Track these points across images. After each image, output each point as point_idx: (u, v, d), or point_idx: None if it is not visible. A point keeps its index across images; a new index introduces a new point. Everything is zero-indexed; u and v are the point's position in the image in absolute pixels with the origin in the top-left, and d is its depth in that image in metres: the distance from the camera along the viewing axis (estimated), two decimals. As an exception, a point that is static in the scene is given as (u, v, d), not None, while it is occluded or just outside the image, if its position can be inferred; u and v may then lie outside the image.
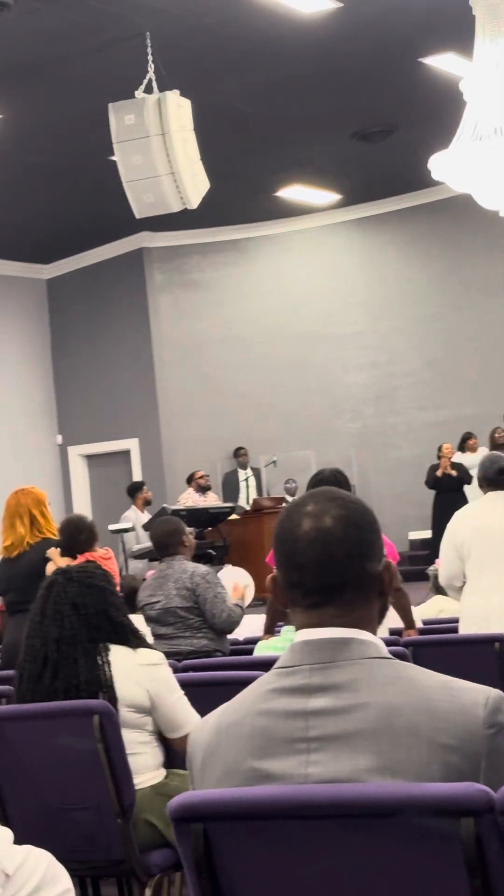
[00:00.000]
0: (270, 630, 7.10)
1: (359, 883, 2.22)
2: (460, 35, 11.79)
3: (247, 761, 2.32)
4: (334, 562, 2.34)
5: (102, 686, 4.39)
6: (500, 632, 6.44)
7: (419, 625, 7.40)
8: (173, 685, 4.61)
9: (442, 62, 14.00)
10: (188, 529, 8.05)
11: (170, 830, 3.47)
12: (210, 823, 2.30)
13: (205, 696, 4.50)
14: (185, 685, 4.72)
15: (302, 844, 2.23)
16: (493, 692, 2.27)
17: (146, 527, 14.95)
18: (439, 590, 8.32)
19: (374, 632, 2.39)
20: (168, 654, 6.98)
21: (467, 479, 16.87)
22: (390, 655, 2.36)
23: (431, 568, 9.04)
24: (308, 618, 2.38)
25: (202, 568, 7.55)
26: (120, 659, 4.48)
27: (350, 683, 2.28)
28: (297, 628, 2.40)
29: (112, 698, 4.38)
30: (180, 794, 2.31)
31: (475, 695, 2.27)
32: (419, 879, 2.18)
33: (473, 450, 17.47)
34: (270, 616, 7.17)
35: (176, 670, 5.11)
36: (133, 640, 4.58)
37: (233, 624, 7.39)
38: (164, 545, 7.64)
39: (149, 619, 7.37)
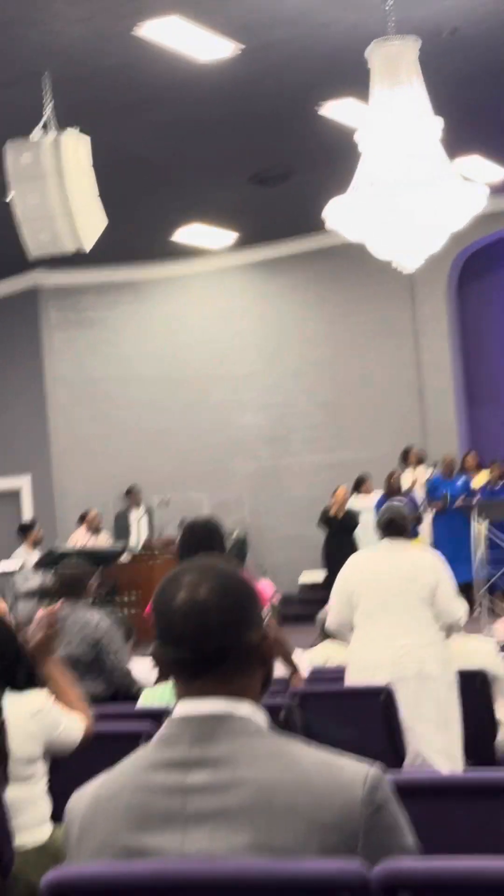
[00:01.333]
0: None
1: None
2: (358, 83, 11.90)
3: (123, 837, 2.29)
4: (210, 632, 2.33)
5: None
6: (385, 682, 6.46)
7: (306, 672, 7.38)
8: (59, 720, 4.58)
9: (340, 109, 14.13)
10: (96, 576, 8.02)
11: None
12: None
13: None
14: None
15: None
16: (372, 770, 2.26)
17: (37, 566, 14.84)
18: (327, 635, 8.31)
19: (256, 701, 2.37)
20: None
21: (353, 524, 16.89)
22: (269, 731, 2.34)
23: (321, 613, 9.04)
24: (187, 689, 2.36)
25: (106, 621, 7.48)
26: (12, 709, 4.43)
27: (229, 759, 2.26)
28: (178, 698, 2.38)
29: (4, 757, 4.31)
30: (54, 870, 2.28)
31: (354, 773, 2.25)
32: None
33: (368, 492, 17.55)
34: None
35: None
36: (23, 681, 4.55)
37: (131, 684, 7.35)
38: (70, 589, 7.55)
39: None
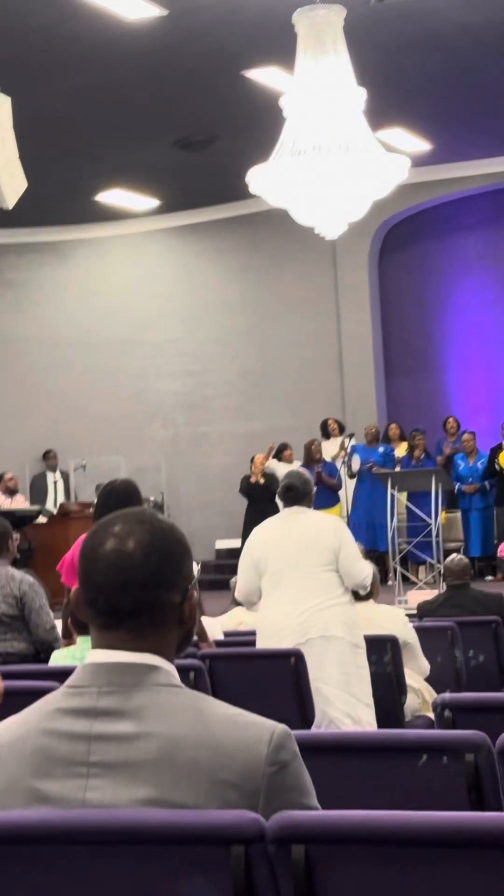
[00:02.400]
0: (68, 636, 7.05)
1: (130, 908, 2.21)
2: (284, 50, 11.88)
3: (26, 780, 2.28)
4: (128, 586, 2.32)
5: None
6: (292, 646, 6.50)
7: (220, 636, 7.42)
8: None
9: (265, 76, 14.10)
10: (15, 535, 7.90)
11: None
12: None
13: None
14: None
15: (72, 870, 2.21)
16: (278, 728, 2.26)
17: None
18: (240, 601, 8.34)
19: (169, 659, 2.36)
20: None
21: (275, 487, 16.94)
22: (181, 685, 2.33)
23: (233, 579, 9.07)
24: (100, 638, 2.35)
25: (28, 577, 7.41)
26: None
27: (136, 711, 2.26)
28: (92, 647, 2.37)
29: None
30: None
31: (259, 731, 2.25)
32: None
33: (289, 461, 17.57)
34: (68, 624, 7.14)
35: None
36: None
37: (55, 639, 7.29)
38: None
39: None
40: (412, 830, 2.12)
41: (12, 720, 2.40)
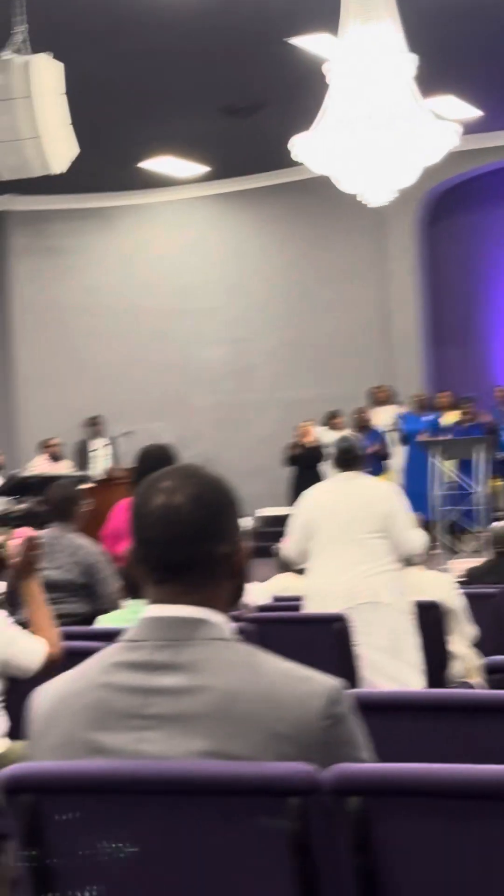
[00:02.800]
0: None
1: (186, 859, 2.23)
2: (330, 16, 11.81)
3: (84, 732, 2.31)
4: (179, 540, 2.34)
5: None
6: (339, 611, 6.52)
7: (264, 601, 7.44)
8: (14, 639, 4.59)
9: (311, 42, 14.02)
10: (86, 500, 7.82)
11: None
12: (40, 795, 2.30)
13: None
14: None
15: (129, 820, 2.24)
16: (334, 683, 2.29)
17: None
18: (285, 567, 8.37)
19: (223, 612, 2.39)
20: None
21: (320, 457, 16.99)
22: (236, 637, 2.36)
23: (277, 546, 9.09)
24: (156, 593, 2.38)
25: (97, 547, 7.38)
26: None
27: (193, 664, 2.29)
28: (148, 602, 2.40)
29: None
30: (11, 766, 2.31)
31: (315, 685, 2.28)
32: (246, 858, 2.20)
33: (339, 428, 17.53)
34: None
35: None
36: None
37: (118, 604, 7.29)
38: (59, 511, 7.40)
39: None
40: (469, 783, 2.14)
41: (70, 674, 2.44)
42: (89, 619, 7.13)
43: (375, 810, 2.17)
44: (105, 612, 7.21)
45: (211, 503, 2.38)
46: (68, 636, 4.95)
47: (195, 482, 2.39)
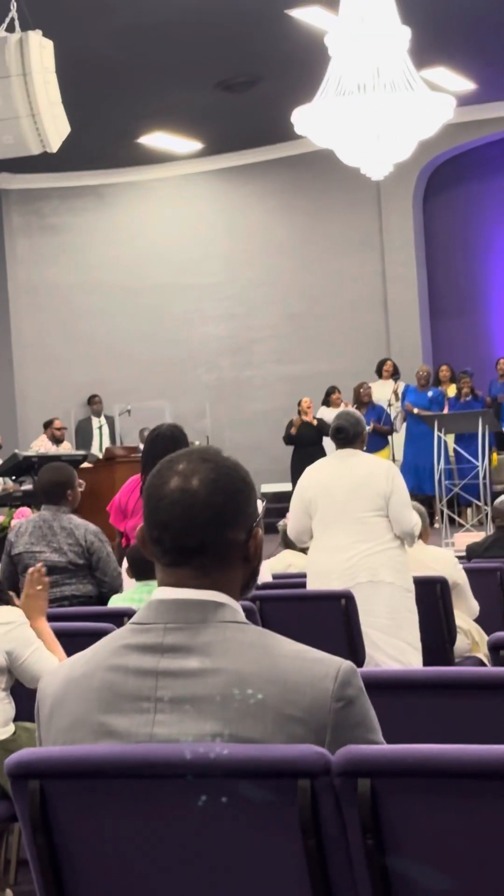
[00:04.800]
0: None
1: (196, 842, 2.22)
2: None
3: (94, 715, 2.31)
4: (194, 524, 2.33)
5: None
6: (343, 588, 6.50)
7: (269, 579, 7.43)
8: (30, 641, 4.59)
9: (308, 15, 13.99)
10: (79, 482, 7.77)
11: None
12: (47, 781, 2.29)
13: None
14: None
15: (139, 803, 2.23)
16: (344, 664, 2.28)
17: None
18: (288, 544, 8.36)
19: (235, 597, 2.37)
20: (53, 601, 6.91)
21: (326, 431, 17.02)
22: (246, 621, 2.35)
23: (281, 522, 9.08)
24: (166, 576, 2.37)
25: (92, 526, 7.35)
26: None
27: (203, 647, 2.28)
28: (158, 585, 2.39)
29: None
30: (18, 751, 2.30)
31: (326, 666, 2.27)
32: (256, 841, 2.20)
33: (337, 405, 17.54)
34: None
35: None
36: None
37: (119, 586, 7.26)
38: (52, 493, 7.34)
39: (28, 569, 7.15)
40: (478, 763, 2.13)
41: (79, 657, 2.43)
42: (92, 600, 7.12)
43: (385, 792, 2.16)
44: (108, 592, 7.20)
45: (227, 488, 2.37)
46: (73, 616, 4.94)
47: (212, 467, 2.38)
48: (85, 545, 7.16)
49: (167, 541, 2.35)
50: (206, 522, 2.33)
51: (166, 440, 6.39)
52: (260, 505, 2.54)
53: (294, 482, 16.34)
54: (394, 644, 6.63)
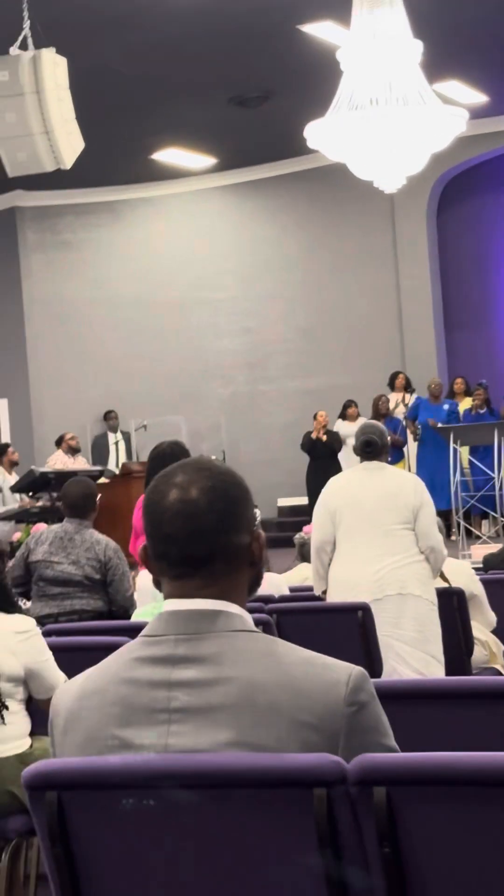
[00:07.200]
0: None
1: (213, 853, 2.23)
2: (339, 3, 11.79)
3: (108, 729, 2.31)
4: (199, 533, 2.33)
5: None
6: (370, 600, 6.49)
7: (285, 592, 7.42)
8: (44, 650, 4.60)
9: (320, 30, 14.01)
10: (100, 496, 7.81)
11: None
12: (64, 792, 2.29)
13: (71, 662, 4.51)
14: (51, 649, 4.71)
15: (156, 814, 2.24)
16: (356, 670, 2.29)
17: (14, 489, 14.85)
18: (305, 557, 8.36)
19: (242, 603, 2.39)
20: (62, 614, 6.90)
21: (338, 446, 17.04)
22: (256, 629, 2.36)
23: (297, 535, 9.09)
24: (174, 588, 2.37)
25: (112, 543, 7.36)
26: None
27: (214, 656, 2.28)
28: (165, 598, 2.39)
29: None
30: (35, 763, 2.31)
31: (337, 672, 2.28)
32: (272, 850, 2.20)
33: (353, 418, 17.54)
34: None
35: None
36: (8, 604, 4.57)
37: (132, 605, 7.26)
38: (76, 507, 7.38)
39: (42, 578, 7.16)
40: (493, 771, 2.13)
41: (91, 672, 2.43)
42: (102, 616, 7.12)
43: (401, 800, 2.17)
44: (117, 610, 7.22)
45: (226, 494, 2.37)
46: (88, 631, 4.94)
47: (208, 475, 2.38)
48: (104, 560, 7.17)
49: (174, 553, 2.35)
50: (212, 530, 2.34)
51: (167, 458, 6.39)
52: (256, 512, 2.54)
53: (309, 495, 16.51)
54: (419, 657, 6.63)
